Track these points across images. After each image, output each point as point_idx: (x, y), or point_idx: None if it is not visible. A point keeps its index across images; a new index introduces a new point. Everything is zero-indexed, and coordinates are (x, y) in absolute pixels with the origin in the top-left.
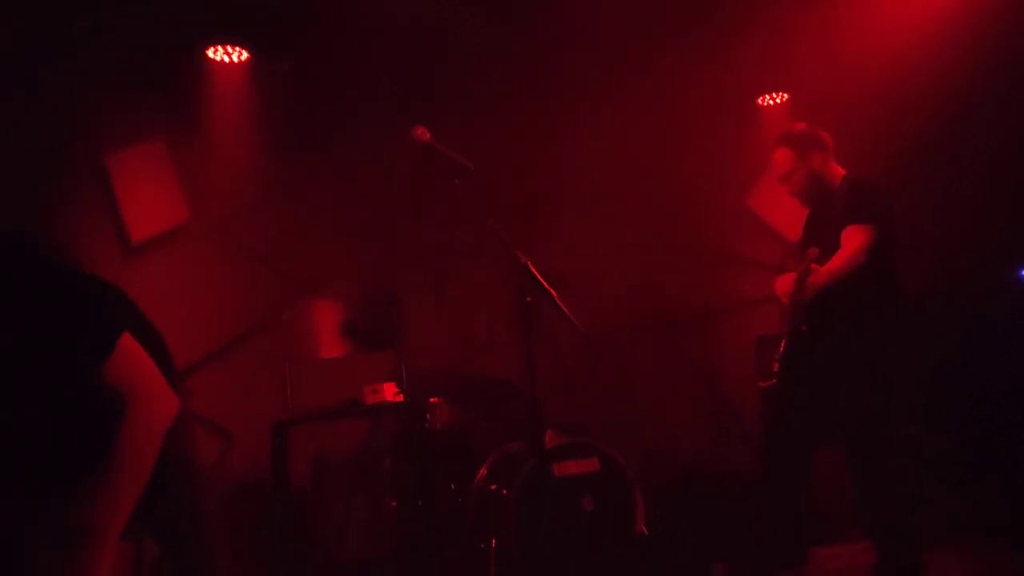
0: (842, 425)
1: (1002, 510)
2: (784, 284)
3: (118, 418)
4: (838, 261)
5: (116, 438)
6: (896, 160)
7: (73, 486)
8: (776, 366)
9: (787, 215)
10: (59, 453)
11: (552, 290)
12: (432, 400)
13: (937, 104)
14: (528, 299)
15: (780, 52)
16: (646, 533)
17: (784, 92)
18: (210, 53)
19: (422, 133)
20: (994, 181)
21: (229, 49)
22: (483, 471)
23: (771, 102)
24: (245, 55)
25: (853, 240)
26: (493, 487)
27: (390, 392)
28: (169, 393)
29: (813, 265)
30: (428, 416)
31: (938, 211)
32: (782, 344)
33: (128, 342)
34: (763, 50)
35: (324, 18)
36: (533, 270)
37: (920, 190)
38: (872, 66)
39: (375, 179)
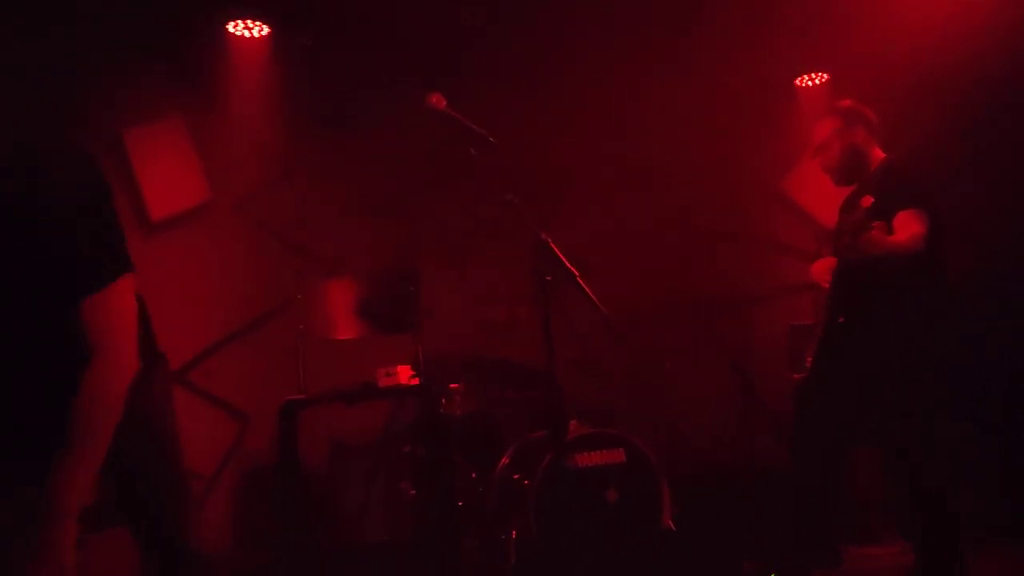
0: (877, 421)
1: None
2: (822, 268)
3: (81, 368)
4: (895, 241)
5: (79, 391)
6: (937, 143)
7: (34, 443)
8: (809, 359)
9: (823, 200)
10: (22, 396)
11: (573, 269)
12: (452, 386)
13: (979, 86)
14: (548, 278)
15: (819, 32)
16: (672, 528)
17: (823, 73)
18: (230, 28)
19: (437, 100)
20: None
21: (249, 23)
22: (505, 460)
23: (810, 83)
24: (266, 30)
25: (911, 226)
26: (515, 477)
27: (404, 375)
28: (134, 354)
29: (877, 224)
30: (444, 401)
31: (983, 195)
32: (817, 335)
33: (127, 286)
34: (802, 30)
35: None
36: (554, 247)
37: (964, 174)
38: (914, 45)
39: (396, 156)
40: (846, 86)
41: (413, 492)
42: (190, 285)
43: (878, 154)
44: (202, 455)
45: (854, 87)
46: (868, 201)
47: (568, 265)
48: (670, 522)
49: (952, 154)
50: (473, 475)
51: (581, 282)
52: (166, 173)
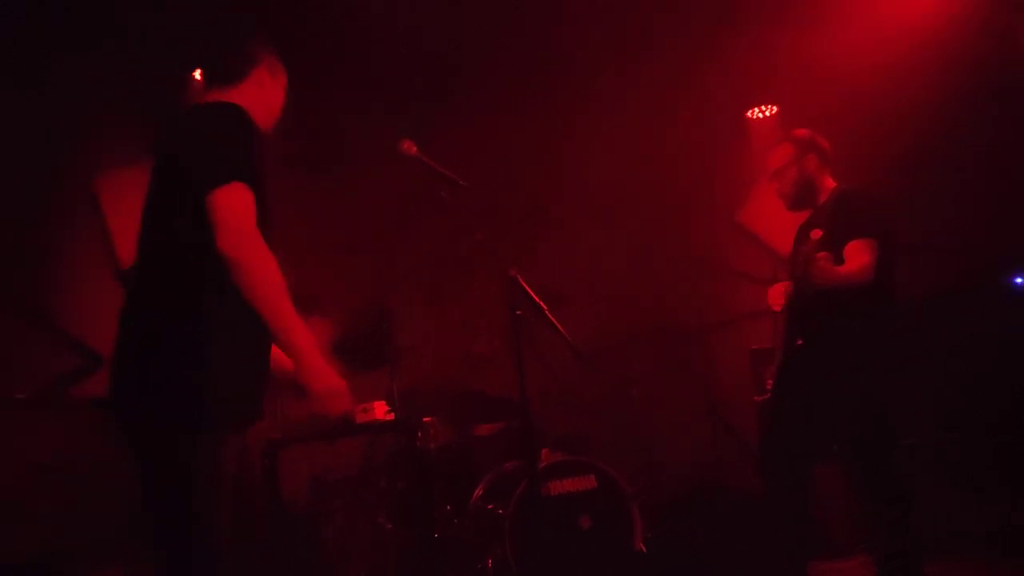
0: (838, 438)
1: (1010, 520)
2: (776, 292)
3: None
4: (845, 272)
5: None
6: (888, 167)
7: None
8: (770, 381)
9: (778, 228)
10: None
11: (542, 303)
12: (426, 420)
13: (926, 111)
14: (518, 312)
15: (768, 65)
16: (644, 550)
17: (773, 105)
18: (197, 75)
19: (408, 147)
20: (990, 186)
21: None
22: (479, 491)
23: (760, 115)
24: None
25: (860, 256)
26: (489, 507)
27: (380, 411)
28: None
29: (822, 254)
30: (420, 435)
31: (935, 217)
32: (777, 359)
33: None
34: (752, 63)
35: (315, 34)
36: (523, 283)
37: (913, 196)
38: (860, 75)
39: (369, 194)
40: (795, 117)
41: (391, 526)
42: None
43: (829, 183)
44: None
45: (803, 118)
46: (818, 234)
47: (536, 299)
48: (642, 545)
49: (899, 181)
50: (448, 507)
51: (550, 315)
52: (137, 219)
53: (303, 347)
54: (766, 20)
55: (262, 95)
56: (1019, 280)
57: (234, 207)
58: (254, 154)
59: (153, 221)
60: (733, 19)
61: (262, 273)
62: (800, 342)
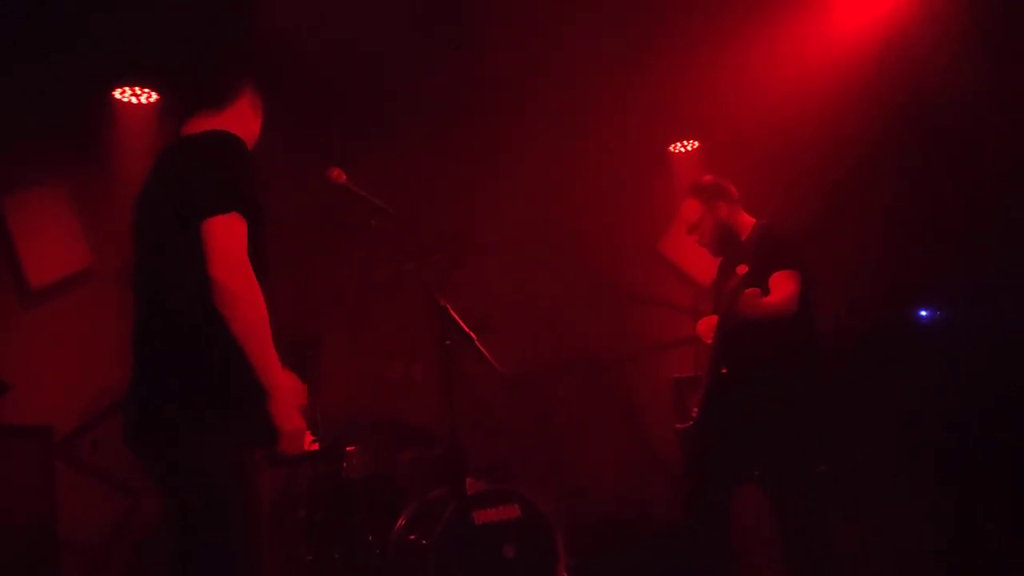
0: (758, 465)
1: (921, 540)
2: (706, 326)
3: None
4: (771, 302)
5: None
6: (803, 204)
7: None
8: (695, 409)
9: (699, 259)
10: None
11: (472, 333)
12: (348, 448)
13: (842, 149)
14: (448, 342)
15: (691, 101)
16: None
17: (695, 140)
18: (117, 94)
19: (338, 175)
20: (897, 224)
21: (137, 90)
22: (401, 521)
23: (682, 149)
24: (154, 96)
25: (785, 286)
26: (412, 537)
27: (306, 440)
28: None
29: (750, 291)
30: (345, 464)
31: (846, 252)
32: (703, 387)
33: None
34: (674, 99)
35: (238, 60)
36: (452, 313)
37: (827, 228)
38: (777, 112)
39: (290, 220)
40: (716, 151)
41: (310, 558)
42: (74, 353)
43: (747, 220)
44: (88, 528)
45: (723, 152)
46: (743, 269)
47: (466, 329)
48: (565, 573)
49: (815, 212)
50: (370, 537)
51: (480, 345)
52: (47, 239)
53: (278, 384)
54: (688, 56)
55: (244, 124)
56: (924, 312)
57: (227, 236)
58: (250, 184)
59: (151, 246)
60: (655, 55)
61: (247, 305)
62: (725, 370)
